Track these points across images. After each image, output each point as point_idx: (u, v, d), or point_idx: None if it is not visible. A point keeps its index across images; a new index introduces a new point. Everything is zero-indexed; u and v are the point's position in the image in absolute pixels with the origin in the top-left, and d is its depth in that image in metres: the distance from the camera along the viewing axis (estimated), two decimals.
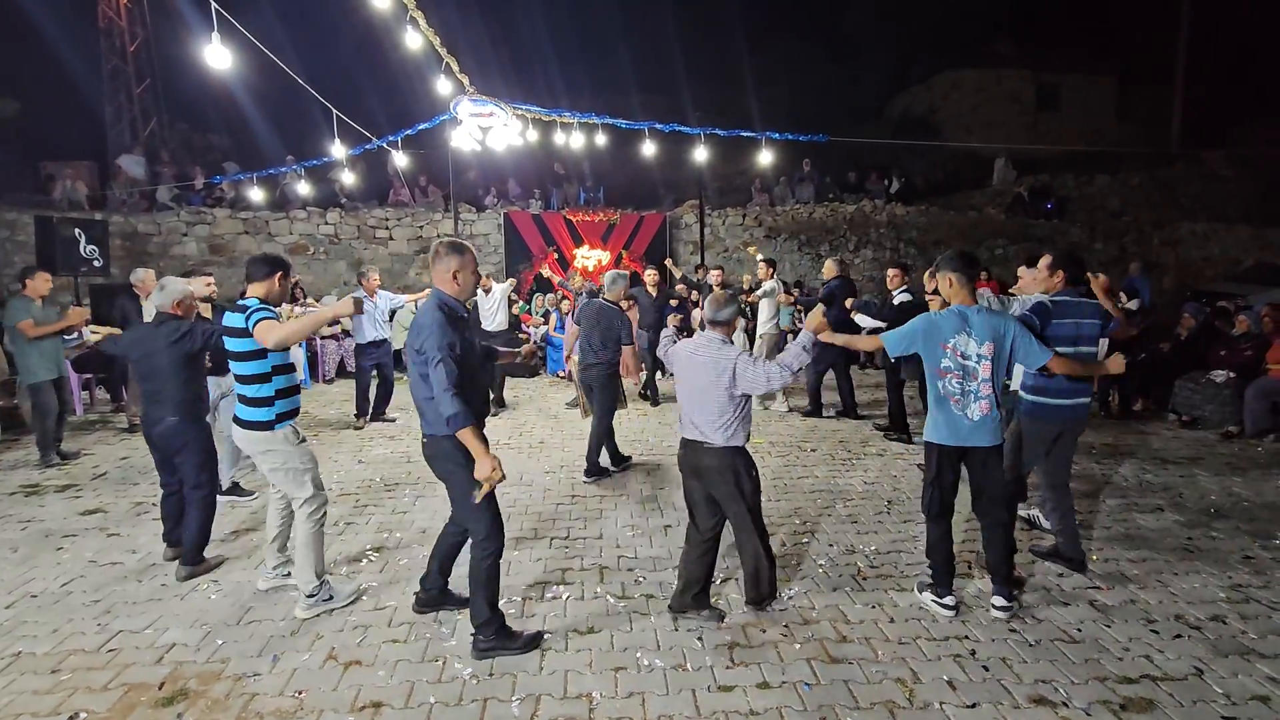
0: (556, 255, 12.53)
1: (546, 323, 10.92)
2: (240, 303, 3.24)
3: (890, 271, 6.76)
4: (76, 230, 8.29)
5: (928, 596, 3.37)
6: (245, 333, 3.15)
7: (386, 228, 13.33)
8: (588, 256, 12.51)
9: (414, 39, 6.06)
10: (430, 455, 2.95)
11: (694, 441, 3.16)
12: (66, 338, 7.10)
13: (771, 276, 7.53)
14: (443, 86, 7.27)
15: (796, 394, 8.03)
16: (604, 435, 5.40)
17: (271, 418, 3.23)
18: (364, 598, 3.49)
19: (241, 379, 3.27)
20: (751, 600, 3.32)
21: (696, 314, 9.92)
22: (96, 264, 8.46)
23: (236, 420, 3.30)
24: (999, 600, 3.27)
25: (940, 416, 3.24)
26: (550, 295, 11.24)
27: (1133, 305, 8.42)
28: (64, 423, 6.18)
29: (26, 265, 6.26)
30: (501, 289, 8.42)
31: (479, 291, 8.03)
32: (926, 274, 5.94)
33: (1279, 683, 2.72)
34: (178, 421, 3.74)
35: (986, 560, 3.35)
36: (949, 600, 3.29)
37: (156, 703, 2.67)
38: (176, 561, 3.80)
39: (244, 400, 3.26)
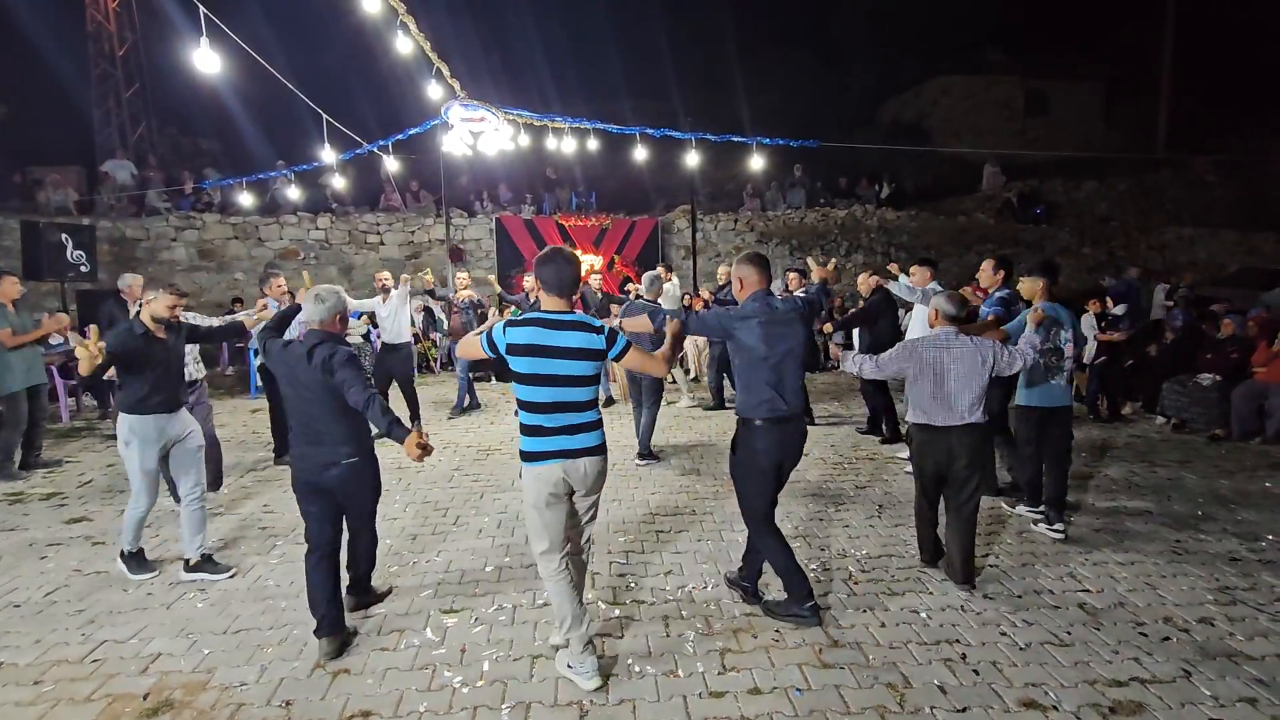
0: None
1: None
2: (574, 318, 2.73)
3: (789, 275, 7.19)
4: (63, 235, 8.23)
5: (1023, 508, 4.52)
6: (599, 354, 2.74)
7: (378, 232, 13.31)
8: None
9: (405, 43, 6.04)
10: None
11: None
12: (52, 343, 7.04)
13: (670, 279, 8.49)
14: (434, 91, 7.26)
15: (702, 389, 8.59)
16: (654, 421, 6.01)
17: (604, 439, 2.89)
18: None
19: (582, 405, 2.78)
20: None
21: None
22: (83, 269, 8.40)
23: (586, 452, 2.78)
24: (1059, 526, 4.21)
25: (1038, 388, 4.25)
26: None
27: (1119, 310, 8.48)
28: (41, 430, 6.01)
29: None
30: (399, 293, 6.66)
31: (378, 299, 6.76)
32: (861, 277, 6.24)
33: (1266, 685, 2.74)
34: (359, 461, 3.11)
35: (1046, 494, 4.31)
36: (1041, 509, 4.35)
37: (141, 713, 2.64)
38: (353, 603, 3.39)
39: (585, 428, 2.79)
